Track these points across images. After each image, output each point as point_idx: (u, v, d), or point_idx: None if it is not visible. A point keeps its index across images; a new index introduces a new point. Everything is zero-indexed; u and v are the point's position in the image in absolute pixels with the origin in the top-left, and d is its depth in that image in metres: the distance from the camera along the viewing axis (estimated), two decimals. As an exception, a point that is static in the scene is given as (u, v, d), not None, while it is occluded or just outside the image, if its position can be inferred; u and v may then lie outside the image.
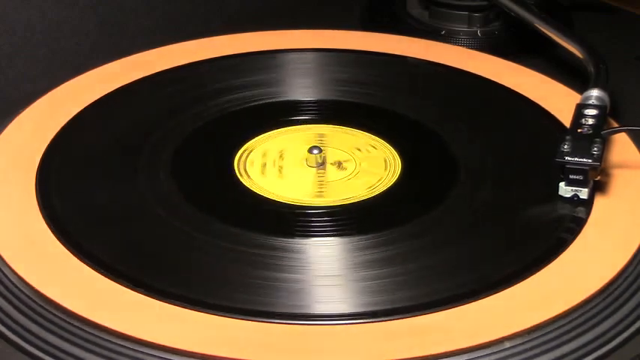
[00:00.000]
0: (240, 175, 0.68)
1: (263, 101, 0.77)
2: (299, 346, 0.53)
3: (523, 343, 0.53)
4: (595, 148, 0.62)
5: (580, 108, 0.67)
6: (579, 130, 0.64)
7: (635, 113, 0.79)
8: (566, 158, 0.62)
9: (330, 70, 0.81)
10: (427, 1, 0.93)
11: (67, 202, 0.64)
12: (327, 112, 0.76)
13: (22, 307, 0.55)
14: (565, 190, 0.63)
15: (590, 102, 0.68)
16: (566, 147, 0.62)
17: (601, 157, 0.62)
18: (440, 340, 0.53)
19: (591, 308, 0.55)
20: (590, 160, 0.62)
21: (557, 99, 0.75)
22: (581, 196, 0.63)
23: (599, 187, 0.64)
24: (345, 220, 0.64)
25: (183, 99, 0.76)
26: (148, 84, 0.78)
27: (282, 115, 0.75)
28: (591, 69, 0.73)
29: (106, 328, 0.53)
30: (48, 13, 0.89)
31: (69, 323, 0.54)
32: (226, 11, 1.01)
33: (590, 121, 0.65)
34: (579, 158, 0.62)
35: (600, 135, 0.63)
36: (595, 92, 0.69)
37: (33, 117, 0.72)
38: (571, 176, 0.62)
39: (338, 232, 0.62)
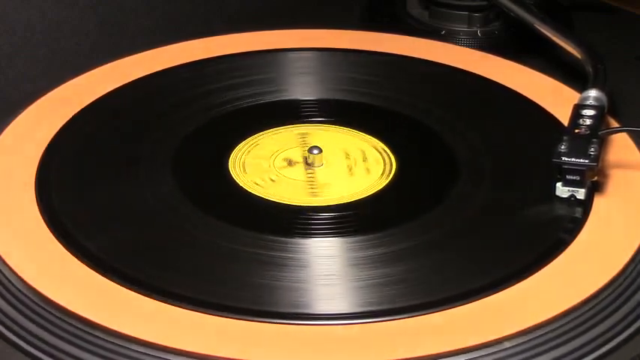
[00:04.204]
0: (240, 174, 0.68)
1: (263, 101, 0.77)
2: (299, 346, 0.53)
3: (523, 343, 0.53)
4: (592, 149, 0.62)
5: (577, 108, 0.67)
6: (577, 131, 0.64)
7: (635, 113, 0.79)
8: (563, 159, 0.62)
9: (330, 70, 0.81)
10: (427, 1, 0.93)
11: (67, 202, 0.64)
12: (327, 112, 0.76)
13: (22, 307, 0.55)
14: (562, 190, 0.63)
15: (588, 102, 0.68)
16: (563, 147, 0.62)
17: (598, 158, 0.62)
18: (440, 340, 0.53)
19: (591, 308, 0.55)
20: (587, 161, 0.62)
21: (557, 99, 0.75)
22: (578, 197, 0.63)
23: (598, 187, 0.64)
24: (344, 219, 0.64)
25: (183, 99, 0.76)
26: (148, 84, 0.78)
27: (282, 114, 0.75)
28: (590, 69, 0.73)
29: (106, 328, 0.53)
30: (48, 13, 0.89)
31: (68, 323, 0.54)
32: (226, 11, 1.01)
33: (588, 122, 0.65)
34: (576, 159, 0.62)
35: (597, 135, 0.63)
36: (593, 93, 0.69)
37: (33, 117, 0.72)
38: (568, 177, 0.62)
39: (337, 231, 0.62)
